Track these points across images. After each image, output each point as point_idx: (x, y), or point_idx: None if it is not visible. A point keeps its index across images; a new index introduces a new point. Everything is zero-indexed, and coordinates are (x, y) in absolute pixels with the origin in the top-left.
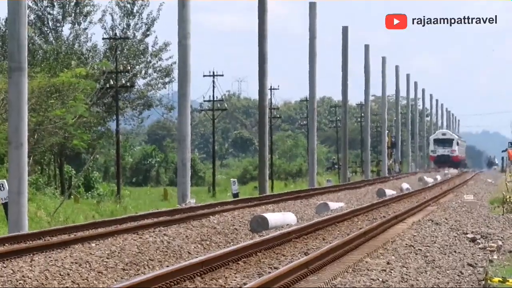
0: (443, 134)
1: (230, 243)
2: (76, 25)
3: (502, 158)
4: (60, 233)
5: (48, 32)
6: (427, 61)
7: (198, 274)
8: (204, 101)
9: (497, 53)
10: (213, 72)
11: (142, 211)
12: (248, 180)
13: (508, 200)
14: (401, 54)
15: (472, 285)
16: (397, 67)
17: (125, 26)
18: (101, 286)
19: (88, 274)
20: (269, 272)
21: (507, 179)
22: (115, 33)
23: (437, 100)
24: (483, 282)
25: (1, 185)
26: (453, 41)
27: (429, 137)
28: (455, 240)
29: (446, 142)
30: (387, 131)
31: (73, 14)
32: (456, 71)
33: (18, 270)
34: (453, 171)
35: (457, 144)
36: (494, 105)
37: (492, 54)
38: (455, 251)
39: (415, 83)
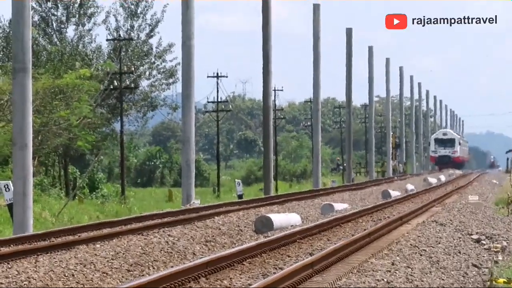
0: (444, 134)
1: (234, 244)
2: (80, 26)
3: (507, 159)
4: (65, 234)
5: (52, 33)
6: (428, 61)
7: (203, 274)
8: (208, 102)
9: (497, 53)
10: (217, 73)
11: (147, 212)
12: (253, 181)
13: None
14: (403, 54)
15: (477, 286)
16: (401, 68)
17: (129, 27)
18: (105, 287)
19: (93, 275)
20: (274, 273)
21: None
22: (119, 34)
23: (441, 101)
24: (488, 283)
25: (6, 186)
26: (453, 41)
27: (429, 137)
28: (460, 241)
29: (447, 142)
30: (391, 132)
31: (77, 15)
32: (457, 71)
33: (23, 271)
34: (458, 171)
35: (459, 144)
36: (497, 105)
37: (492, 55)
38: (459, 252)
39: (419, 84)
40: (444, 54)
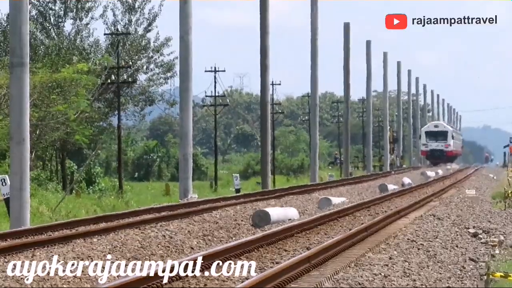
0: (436, 126)
1: (232, 238)
2: (78, 21)
3: (504, 153)
4: (62, 228)
5: (50, 27)
6: (428, 57)
7: (200, 269)
8: (206, 96)
9: (497, 51)
10: (215, 68)
11: (144, 206)
12: (250, 175)
13: (510, 195)
14: (402, 49)
15: (474, 280)
16: (398, 63)
17: (126, 22)
18: (102, 282)
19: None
20: (271, 267)
21: (509, 174)
22: (117, 29)
23: (438, 96)
24: (485, 277)
25: (3, 180)
26: (453, 38)
27: (420, 129)
28: (457, 235)
29: (439, 135)
30: (388, 126)
31: (74, 10)
32: (457, 68)
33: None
34: (454, 166)
35: (452, 137)
36: (495, 101)
37: (492, 52)
38: (457, 246)
39: (417, 79)
40: (444, 52)
